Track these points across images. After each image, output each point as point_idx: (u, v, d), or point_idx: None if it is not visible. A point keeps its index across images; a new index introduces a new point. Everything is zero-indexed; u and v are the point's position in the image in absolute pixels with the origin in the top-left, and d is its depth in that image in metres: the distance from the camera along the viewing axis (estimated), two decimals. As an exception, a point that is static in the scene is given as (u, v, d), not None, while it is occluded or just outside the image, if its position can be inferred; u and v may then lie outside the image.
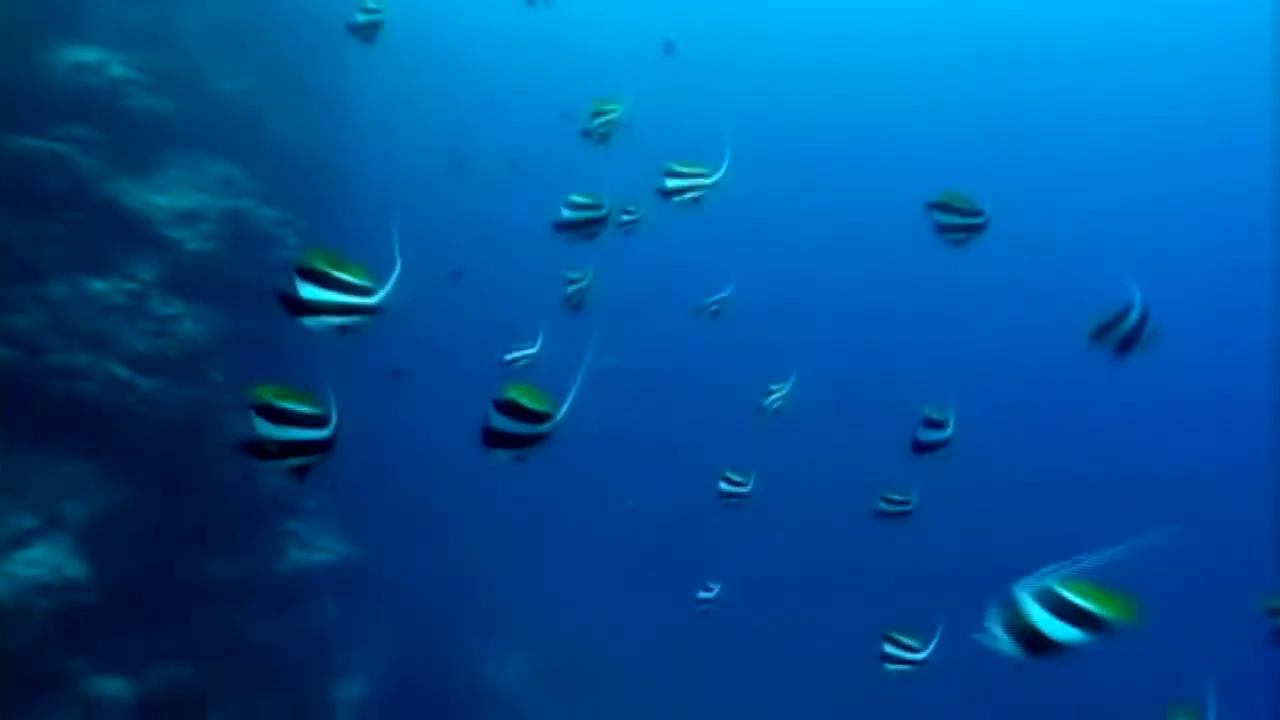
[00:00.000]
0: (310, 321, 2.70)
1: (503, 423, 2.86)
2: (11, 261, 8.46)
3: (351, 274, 2.73)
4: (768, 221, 27.12)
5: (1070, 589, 2.36)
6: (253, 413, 2.67)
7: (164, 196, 9.78)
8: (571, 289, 6.05)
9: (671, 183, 4.70)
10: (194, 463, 9.33)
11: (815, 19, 30.24)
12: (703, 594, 7.08)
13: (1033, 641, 2.37)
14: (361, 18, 6.07)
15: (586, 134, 5.26)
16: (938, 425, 4.99)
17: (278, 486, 11.43)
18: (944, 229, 4.51)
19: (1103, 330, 4.08)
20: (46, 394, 8.33)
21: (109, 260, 9.07)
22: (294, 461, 2.78)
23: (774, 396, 5.80)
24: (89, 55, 9.66)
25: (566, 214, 4.89)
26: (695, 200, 4.69)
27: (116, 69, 9.70)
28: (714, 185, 4.68)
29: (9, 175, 8.53)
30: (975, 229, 4.51)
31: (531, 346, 5.89)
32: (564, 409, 2.89)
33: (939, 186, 4.48)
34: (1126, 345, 4.11)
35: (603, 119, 5.32)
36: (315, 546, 11.83)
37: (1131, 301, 4.02)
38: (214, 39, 12.08)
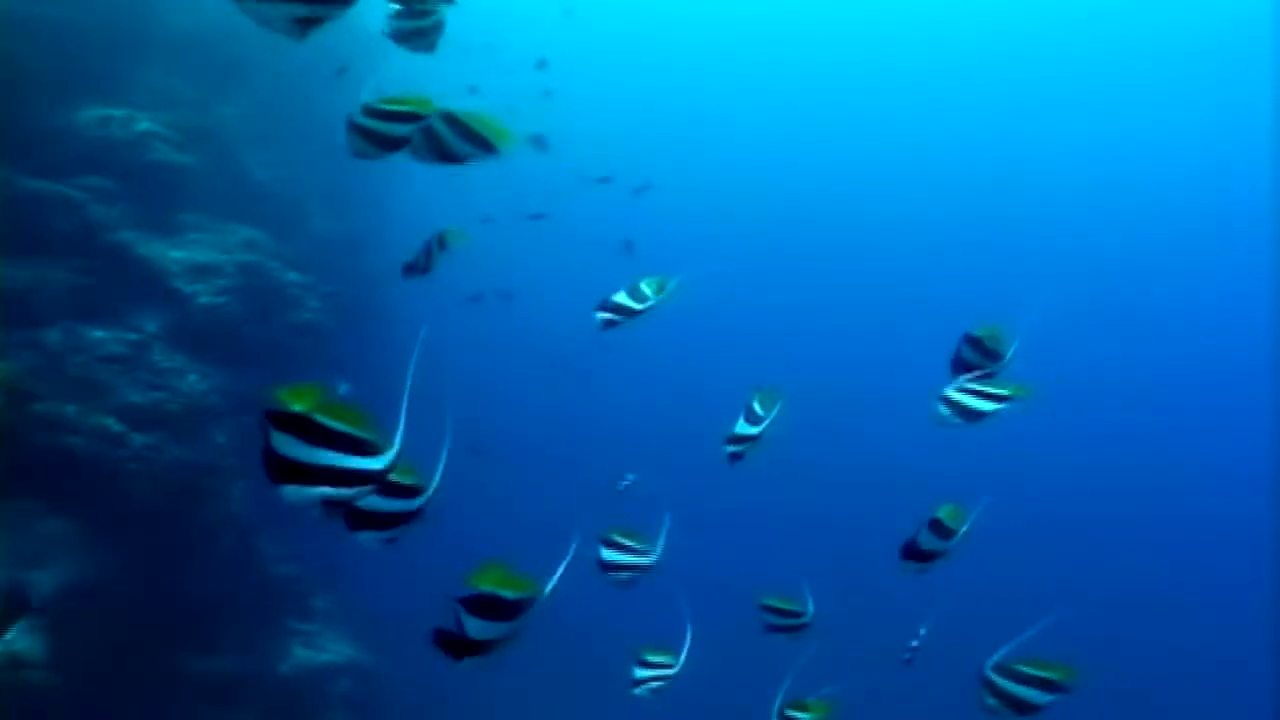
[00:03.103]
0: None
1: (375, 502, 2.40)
2: (9, 305, 7.84)
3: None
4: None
5: None
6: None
7: (180, 250, 9.26)
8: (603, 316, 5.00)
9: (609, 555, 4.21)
10: (188, 533, 8.31)
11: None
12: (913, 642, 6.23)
13: None
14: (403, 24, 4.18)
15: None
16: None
17: (284, 575, 10.29)
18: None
19: None
20: (27, 446, 7.48)
21: (113, 309, 8.44)
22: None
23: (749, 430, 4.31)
24: (118, 112, 9.43)
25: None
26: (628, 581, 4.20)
27: (143, 124, 9.43)
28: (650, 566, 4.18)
29: (14, 217, 8.06)
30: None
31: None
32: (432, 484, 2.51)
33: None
34: None
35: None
36: (324, 648, 10.52)
37: None
38: (254, 129, 11.96)
